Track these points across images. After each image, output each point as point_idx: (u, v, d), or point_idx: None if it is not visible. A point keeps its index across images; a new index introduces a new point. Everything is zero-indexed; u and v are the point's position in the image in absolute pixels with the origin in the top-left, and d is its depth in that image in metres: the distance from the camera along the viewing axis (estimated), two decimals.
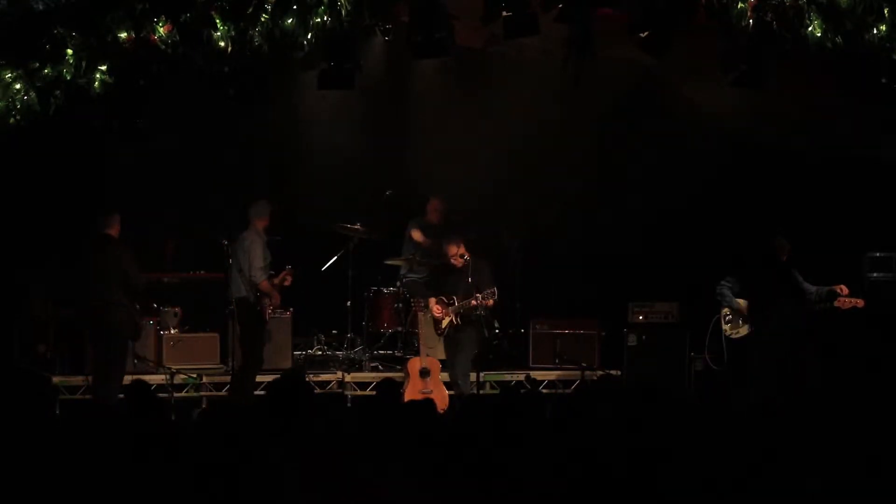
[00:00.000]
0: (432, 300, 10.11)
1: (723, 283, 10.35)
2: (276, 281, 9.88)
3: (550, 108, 10.74)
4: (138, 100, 8.23)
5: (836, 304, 9.91)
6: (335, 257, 11.32)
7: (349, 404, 10.60)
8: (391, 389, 6.42)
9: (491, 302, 9.84)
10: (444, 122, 11.20)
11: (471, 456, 4.50)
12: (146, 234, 11.21)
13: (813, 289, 9.99)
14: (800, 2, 8.13)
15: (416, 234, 11.27)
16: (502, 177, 11.48)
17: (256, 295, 9.82)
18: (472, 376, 10.25)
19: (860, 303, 9.89)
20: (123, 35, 7.97)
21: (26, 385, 10.01)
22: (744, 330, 10.26)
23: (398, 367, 10.95)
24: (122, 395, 8.81)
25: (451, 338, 10.04)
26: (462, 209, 11.53)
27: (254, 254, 9.80)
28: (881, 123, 8.91)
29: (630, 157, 11.41)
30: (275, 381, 5.54)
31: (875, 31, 8.08)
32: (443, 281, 10.04)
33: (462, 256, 9.85)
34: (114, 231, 9.47)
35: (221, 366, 11.01)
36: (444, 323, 9.94)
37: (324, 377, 10.84)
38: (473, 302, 9.74)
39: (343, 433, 4.97)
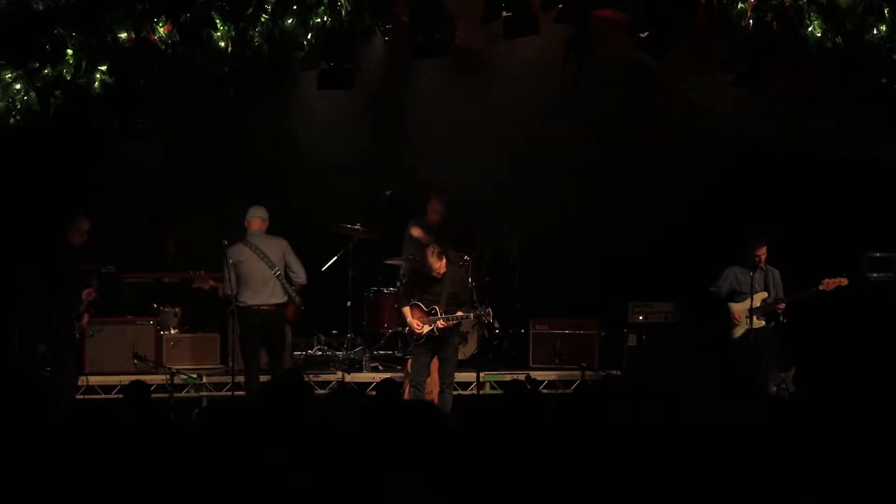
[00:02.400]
0: (406, 309, 9.74)
1: (712, 288, 10.42)
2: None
3: (550, 107, 10.73)
4: (138, 100, 8.23)
5: (821, 287, 9.97)
6: (335, 257, 11.33)
7: None
8: (391, 390, 6.42)
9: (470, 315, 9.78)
10: (444, 122, 11.19)
11: (473, 457, 4.50)
12: (146, 234, 11.23)
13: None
14: (800, 2, 8.11)
15: (416, 231, 11.26)
16: (502, 177, 11.48)
17: (298, 297, 9.90)
18: (472, 376, 10.25)
19: (844, 281, 9.94)
20: (123, 35, 7.95)
21: (26, 385, 10.02)
22: (738, 331, 10.31)
23: (398, 367, 10.97)
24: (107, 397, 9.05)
25: (429, 347, 9.71)
26: (462, 209, 11.54)
27: (295, 255, 9.91)
28: (881, 123, 8.90)
29: (630, 157, 11.40)
30: (273, 380, 5.55)
31: (875, 31, 8.07)
32: (422, 289, 9.72)
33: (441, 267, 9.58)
34: (71, 235, 9.57)
35: (221, 366, 11.03)
36: (424, 331, 9.60)
37: (324, 377, 10.85)
38: (458, 313, 9.58)
39: (343, 433, 4.97)
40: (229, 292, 9.83)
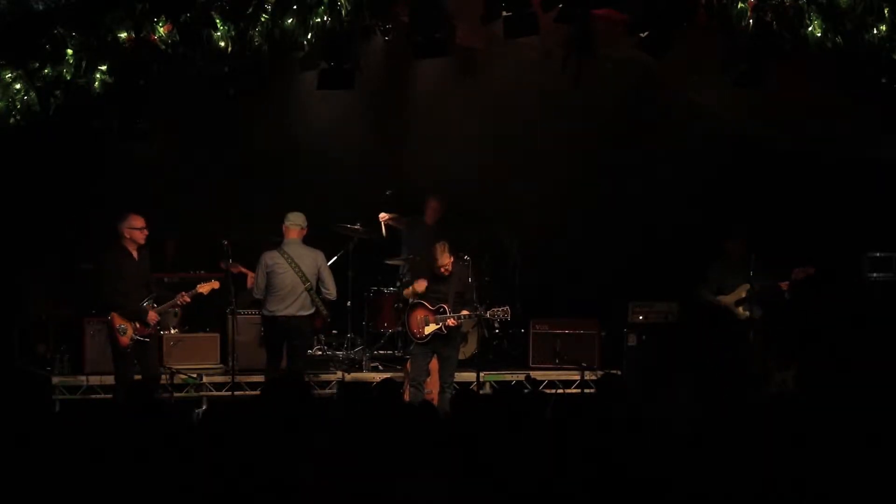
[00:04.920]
0: (419, 311, 9.66)
1: (702, 286, 10.45)
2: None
3: (550, 108, 10.73)
4: (138, 100, 8.23)
5: (793, 277, 9.99)
6: (335, 257, 11.33)
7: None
8: (391, 390, 6.41)
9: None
10: (445, 121, 11.19)
11: (471, 456, 4.50)
12: (146, 234, 11.21)
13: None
14: (800, 2, 8.12)
15: (384, 216, 11.28)
16: (502, 177, 11.48)
17: (325, 310, 9.87)
18: (472, 376, 10.25)
19: (811, 270, 10.02)
20: (123, 35, 7.96)
21: (26, 385, 10.01)
22: None
23: (398, 367, 10.96)
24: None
25: (431, 347, 9.68)
26: (462, 209, 11.53)
27: (329, 269, 9.89)
28: (881, 123, 8.90)
29: (630, 157, 11.40)
30: (273, 381, 5.56)
31: (875, 31, 8.08)
32: (428, 287, 9.67)
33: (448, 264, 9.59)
34: (124, 238, 9.53)
35: (221, 366, 11.03)
36: (430, 330, 9.59)
37: (324, 377, 10.85)
38: (464, 312, 9.54)
39: (343, 434, 4.97)
40: (259, 297, 9.81)
